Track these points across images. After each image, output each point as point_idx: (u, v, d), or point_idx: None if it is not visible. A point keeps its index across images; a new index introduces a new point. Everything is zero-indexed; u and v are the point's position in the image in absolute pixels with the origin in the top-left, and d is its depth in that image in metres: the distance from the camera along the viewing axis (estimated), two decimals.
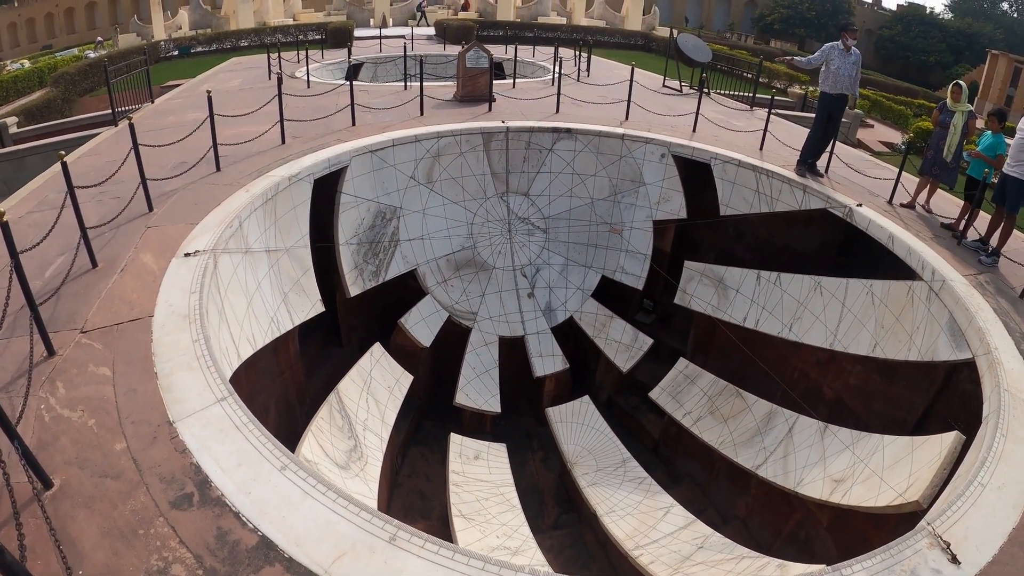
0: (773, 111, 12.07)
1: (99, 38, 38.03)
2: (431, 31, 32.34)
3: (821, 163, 9.74)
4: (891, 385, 7.28)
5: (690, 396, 9.27)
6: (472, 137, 9.32)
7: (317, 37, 30.60)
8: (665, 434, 9.61)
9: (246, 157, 8.45)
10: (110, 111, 11.94)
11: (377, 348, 8.05)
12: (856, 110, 20.15)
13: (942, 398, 6.60)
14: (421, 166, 9.04)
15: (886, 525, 5.64)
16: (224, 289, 5.49)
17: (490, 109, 10.86)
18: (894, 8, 64.06)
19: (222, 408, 3.54)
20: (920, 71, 53.11)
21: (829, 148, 9.68)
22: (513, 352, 9.85)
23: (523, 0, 42.43)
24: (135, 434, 3.48)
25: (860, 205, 8.77)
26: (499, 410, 9.00)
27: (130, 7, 45.79)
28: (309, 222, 7.55)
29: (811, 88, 23.50)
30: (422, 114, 10.40)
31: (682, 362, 9.69)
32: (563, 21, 39.71)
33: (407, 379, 8.09)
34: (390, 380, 7.89)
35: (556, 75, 12.62)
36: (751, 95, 15.11)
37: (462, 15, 37.64)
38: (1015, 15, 62.52)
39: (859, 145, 18.69)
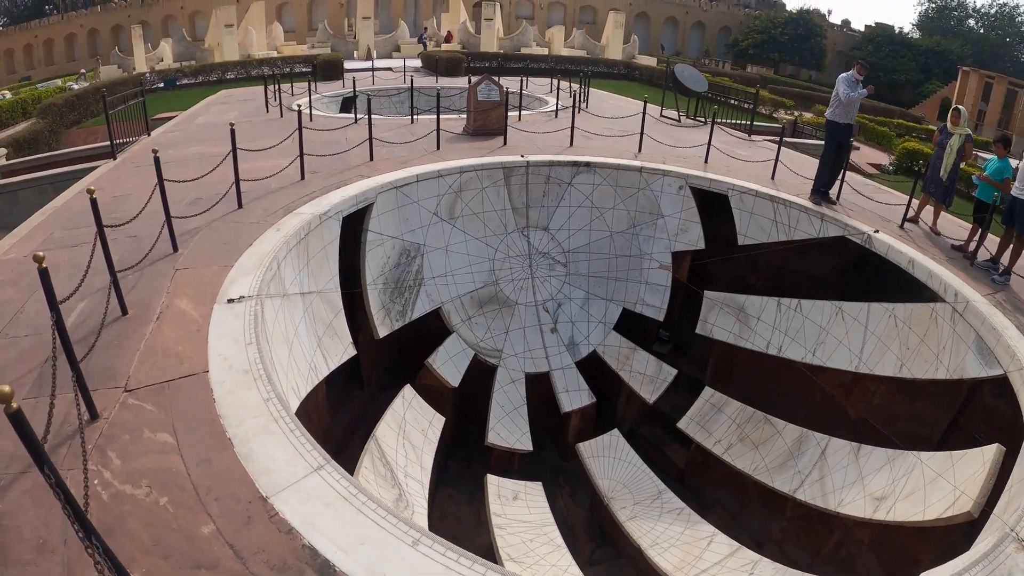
0: (767, 138, 12.33)
1: (82, 69, 37.61)
2: (418, 63, 32.55)
3: (832, 190, 9.90)
4: (915, 403, 7.46)
5: (718, 424, 9.26)
6: (493, 172, 9.24)
7: (305, 69, 30.62)
8: (691, 463, 9.57)
9: (266, 194, 8.22)
10: (101, 143, 11.54)
11: (408, 391, 7.81)
12: None
13: (965, 413, 6.80)
14: (444, 202, 8.91)
15: (932, 538, 5.88)
16: (269, 337, 5.25)
17: (505, 143, 10.81)
18: (862, 29, 66.53)
19: (321, 478, 3.22)
20: (891, 90, 54.71)
21: (840, 175, 9.88)
22: (536, 387, 9.67)
23: (505, 31, 43.14)
24: (223, 513, 3.12)
25: (877, 232, 9.04)
26: (531, 448, 8.80)
27: (110, 39, 45.46)
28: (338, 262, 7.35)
29: (800, 113, 24.12)
30: (438, 148, 10.32)
31: (708, 391, 9.66)
32: (545, 51, 40.38)
33: (439, 421, 7.85)
34: (423, 423, 7.64)
35: (568, 106, 12.66)
36: (749, 123, 15.39)
37: (445, 47, 38.07)
38: (981, 30, 64.96)
39: (851, 168, 19.08)
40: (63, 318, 5.21)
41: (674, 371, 10.04)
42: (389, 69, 28.60)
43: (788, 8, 65.56)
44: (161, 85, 29.79)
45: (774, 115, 24.90)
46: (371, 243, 7.91)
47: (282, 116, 15.68)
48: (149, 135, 13.80)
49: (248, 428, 3.69)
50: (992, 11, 65.39)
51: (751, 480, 8.29)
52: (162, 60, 36.88)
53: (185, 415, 3.99)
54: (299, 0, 52.87)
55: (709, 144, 11.17)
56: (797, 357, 8.90)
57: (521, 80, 16.44)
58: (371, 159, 9.62)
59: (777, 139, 17.65)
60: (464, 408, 9.57)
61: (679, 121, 15.93)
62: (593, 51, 42.86)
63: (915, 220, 9.48)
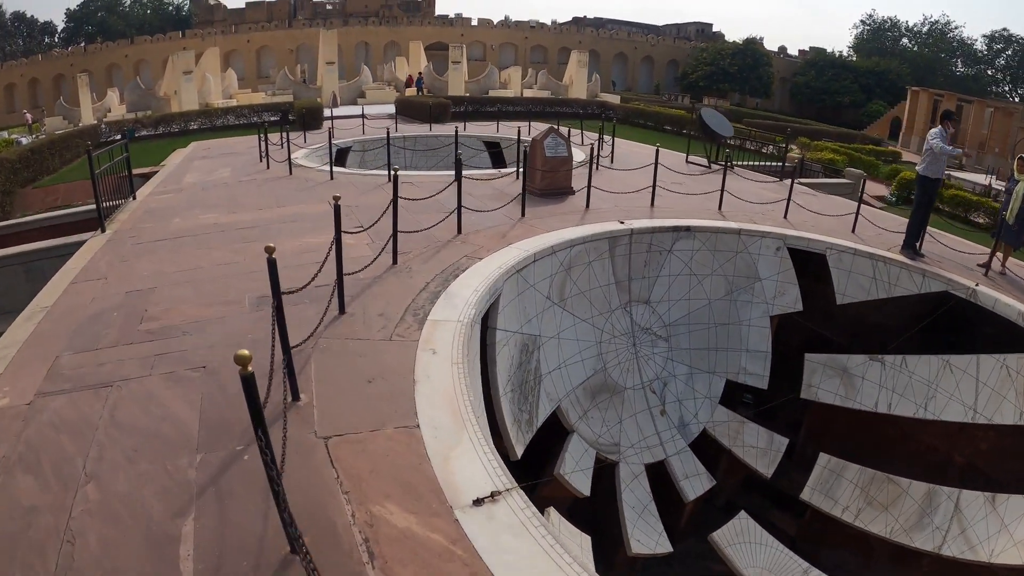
0: (783, 179, 11.91)
1: (28, 118, 34.53)
2: (392, 108, 31.48)
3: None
4: None
5: (841, 490, 8.98)
6: (599, 243, 8.35)
7: (273, 118, 29.16)
8: (806, 530, 9.25)
9: (363, 289, 6.41)
10: (72, 208, 9.19)
11: (554, 514, 6.68)
12: (852, 168, 21.02)
13: None
14: (555, 282, 7.89)
15: None
16: None
17: (588, 206, 9.96)
18: (796, 54, 70.29)
19: None
20: (835, 111, 57.48)
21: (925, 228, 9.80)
22: (653, 475, 8.79)
23: (471, 75, 42.84)
24: None
25: (978, 285, 8.95)
26: (671, 550, 7.86)
27: (51, 90, 42.22)
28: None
29: (790, 148, 24.41)
30: (523, 215, 9.28)
31: (823, 457, 9.31)
32: (512, 94, 40.22)
33: (587, 541, 6.80)
34: (574, 549, 6.56)
35: (601, 156, 11.84)
36: (780, 166, 15.27)
37: (408, 92, 37.22)
38: (915, 48, 69.56)
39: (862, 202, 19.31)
40: (158, 555, 2.82)
41: (785, 440, 9.62)
42: (364, 116, 27.51)
43: (728, 39, 68.44)
44: (119, 137, 27.60)
45: (764, 150, 25.20)
46: (499, 343, 6.76)
47: (291, 173, 14.16)
48: (135, 197, 11.84)
49: None
50: (924, 29, 70.33)
51: (878, 539, 8.19)
52: (110, 111, 34.53)
53: None
54: (247, 47, 51.20)
55: (789, 199, 10.74)
56: (908, 413, 8.84)
57: (581, 130, 15.65)
58: (459, 232, 8.27)
59: (806, 181, 17.73)
60: (576, 511, 8.52)
61: (709, 168, 15.59)
62: (557, 91, 43.07)
63: (988, 265, 9.61)
